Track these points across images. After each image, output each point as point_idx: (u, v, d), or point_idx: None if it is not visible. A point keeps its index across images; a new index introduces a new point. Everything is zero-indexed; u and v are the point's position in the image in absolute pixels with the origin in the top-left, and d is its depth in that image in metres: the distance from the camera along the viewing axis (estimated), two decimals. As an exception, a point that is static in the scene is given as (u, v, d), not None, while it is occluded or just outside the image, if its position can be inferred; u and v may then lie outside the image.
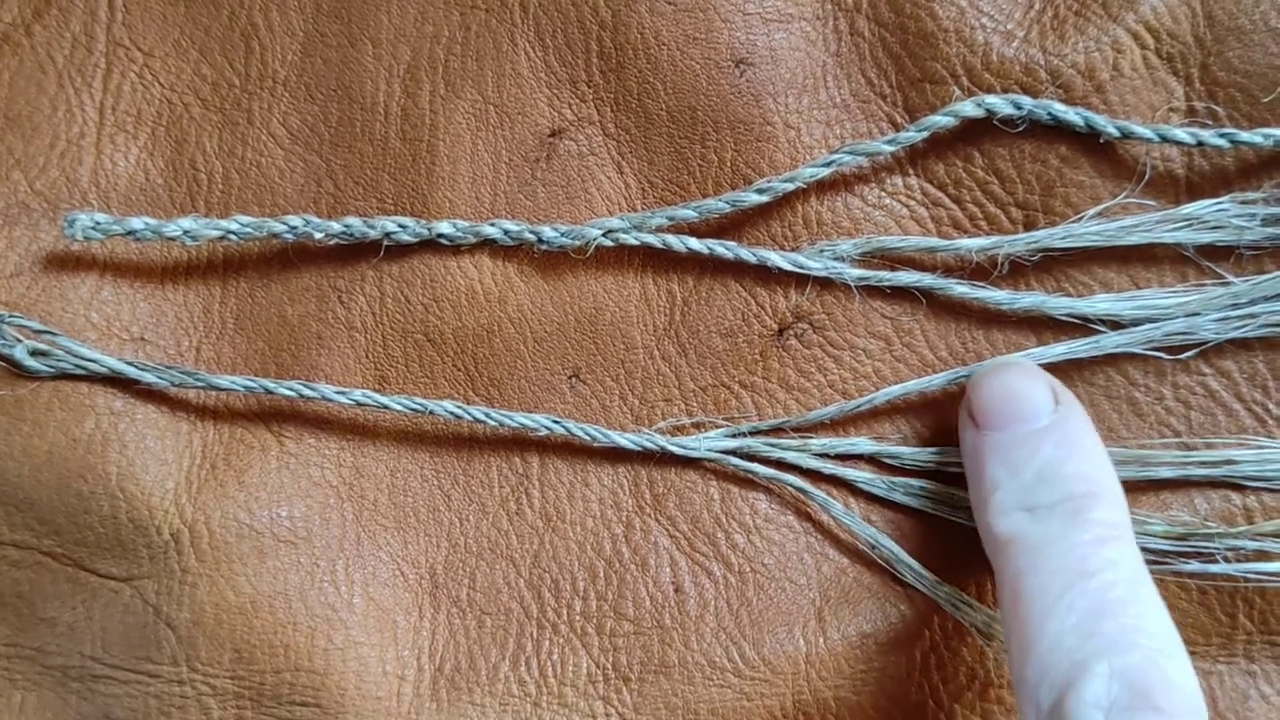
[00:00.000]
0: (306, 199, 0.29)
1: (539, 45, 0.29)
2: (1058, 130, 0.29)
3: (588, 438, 0.29)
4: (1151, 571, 0.27)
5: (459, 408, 0.28)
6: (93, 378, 0.28)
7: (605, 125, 0.29)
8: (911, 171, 0.29)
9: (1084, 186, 0.29)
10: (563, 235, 0.29)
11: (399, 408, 0.28)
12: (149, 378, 0.28)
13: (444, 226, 0.29)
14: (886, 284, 0.29)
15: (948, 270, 0.29)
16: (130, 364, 0.28)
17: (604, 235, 0.29)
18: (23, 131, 0.29)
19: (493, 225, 0.29)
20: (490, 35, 0.29)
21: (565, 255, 0.29)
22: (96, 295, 0.29)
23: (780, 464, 0.29)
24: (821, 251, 0.29)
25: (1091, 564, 0.24)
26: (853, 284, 0.29)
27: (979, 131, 0.29)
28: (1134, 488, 0.28)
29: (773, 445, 0.29)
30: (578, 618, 0.28)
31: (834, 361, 0.29)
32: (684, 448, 0.29)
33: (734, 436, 0.29)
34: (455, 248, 0.29)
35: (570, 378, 0.29)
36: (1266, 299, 0.28)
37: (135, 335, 0.29)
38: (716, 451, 0.29)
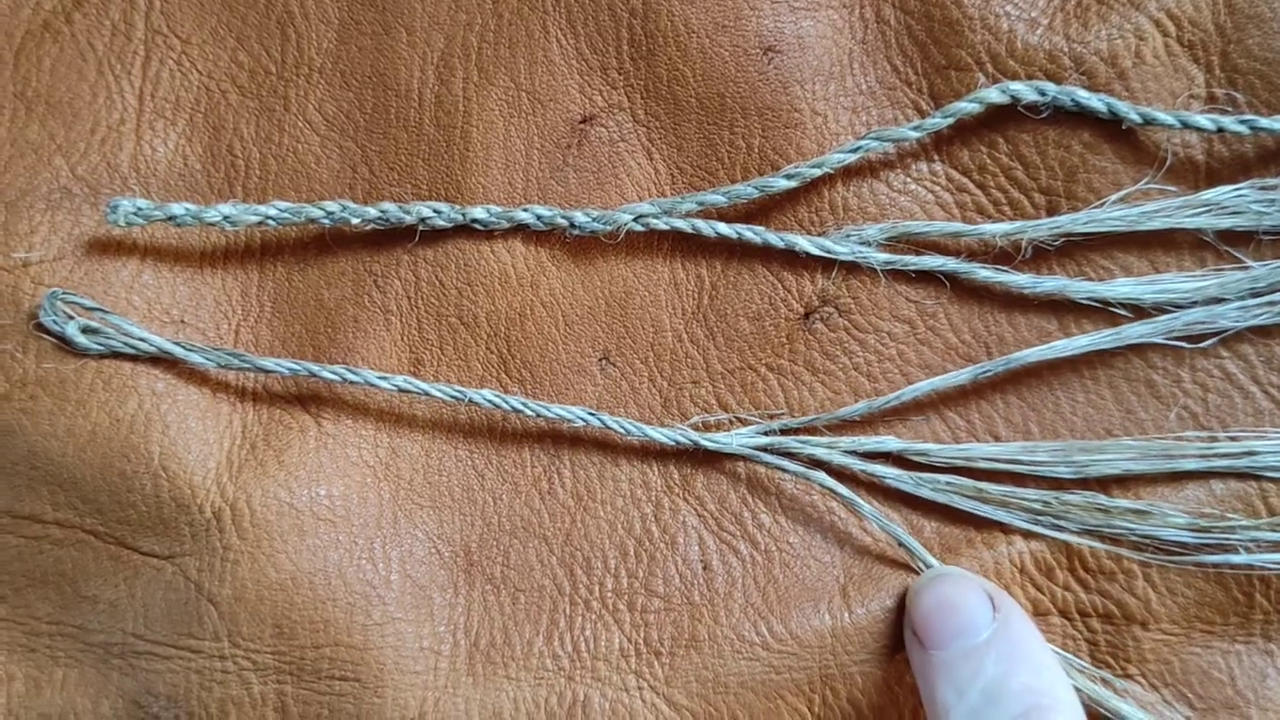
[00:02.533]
0: (342, 184, 0.30)
1: (570, 33, 0.30)
2: (1080, 117, 0.29)
3: (622, 430, 0.29)
4: (1173, 563, 0.28)
5: (498, 396, 0.29)
6: (137, 358, 0.29)
7: (635, 112, 0.30)
8: (936, 157, 0.30)
9: (1106, 172, 0.29)
10: (594, 220, 0.29)
11: (440, 395, 0.29)
12: (196, 358, 0.28)
13: (478, 212, 0.29)
14: (912, 268, 0.29)
15: (971, 255, 0.30)
16: (178, 344, 0.28)
17: (634, 220, 0.29)
18: (64, 118, 0.30)
19: (525, 211, 0.29)
20: (522, 23, 0.30)
21: (596, 240, 0.30)
22: (138, 279, 0.29)
23: (810, 459, 0.30)
24: (848, 236, 0.29)
25: None
26: (879, 268, 0.29)
27: (1003, 118, 0.29)
28: (1155, 477, 0.29)
29: (803, 442, 0.29)
30: (609, 594, 0.29)
31: (859, 345, 0.30)
32: (716, 443, 0.29)
33: (765, 433, 0.30)
34: (489, 233, 0.30)
35: (601, 360, 0.30)
36: None
37: (175, 318, 0.29)
38: (748, 448, 0.29)
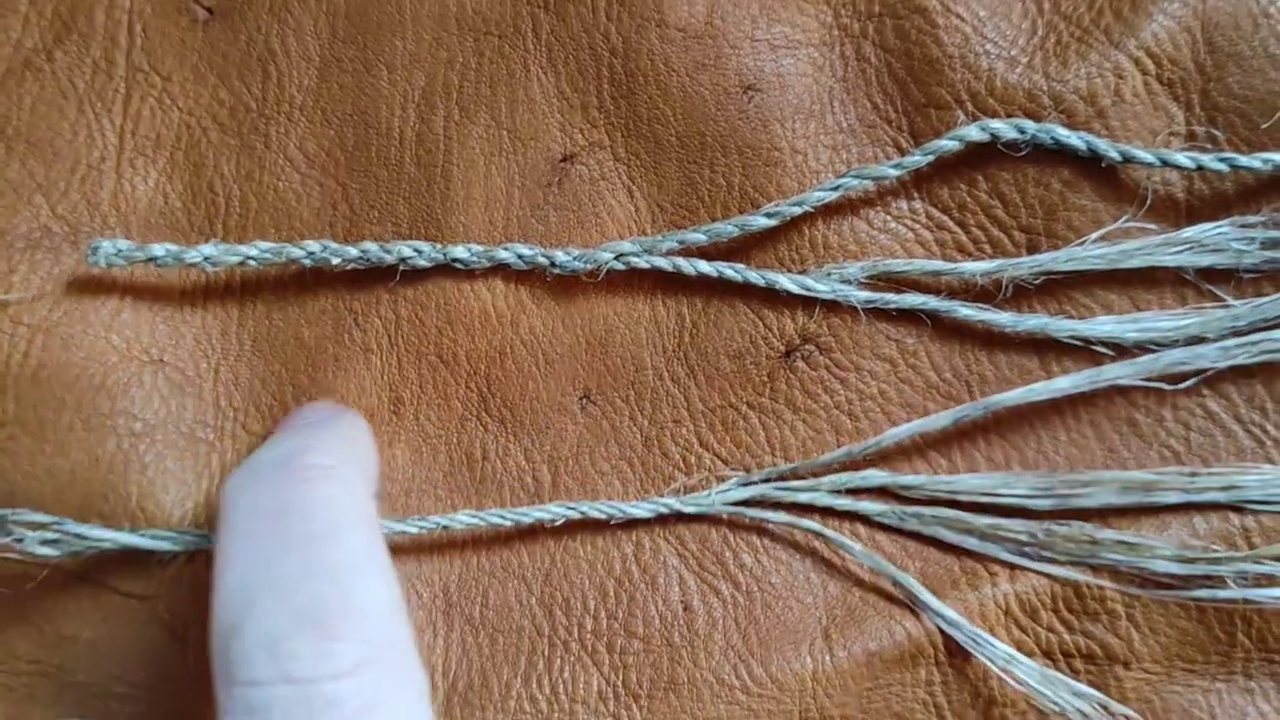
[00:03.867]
0: (323, 223, 0.30)
1: (551, 71, 0.30)
2: (1060, 154, 0.29)
3: (602, 515, 0.29)
4: (1163, 597, 0.27)
5: (474, 515, 0.29)
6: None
7: (616, 150, 0.30)
8: (916, 195, 0.30)
9: (1086, 210, 0.29)
10: (575, 259, 0.29)
11: (415, 530, 0.29)
12: (164, 545, 0.28)
13: (459, 251, 0.29)
14: (893, 306, 0.29)
15: (952, 293, 0.29)
16: (143, 535, 0.28)
17: (615, 259, 0.29)
18: (45, 156, 0.29)
19: (507, 250, 0.29)
20: (503, 61, 0.30)
21: (576, 279, 0.30)
22: (116, 318, 0.29)
23: (793, 505, 0.29)
24: (829, 274, 0.29)
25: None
26: (859, 306, 0.29)
27: (983, 156, 0.29)
28: (1138, 513, 0.29)
29: (786, 489, 0.29)
30: (589, 636, 0.29)
31: (840, 383, 0.30)
32: (699, 505, 0.29)
33: (747, 484, 0.30)
34: (470, 271, 0.30)
35: (581, 399, 0.30)
36: (1266, 322, 0.28)
37: (154, 357, 0.29)
38: (730, 504, 0.29)
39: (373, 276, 0.30)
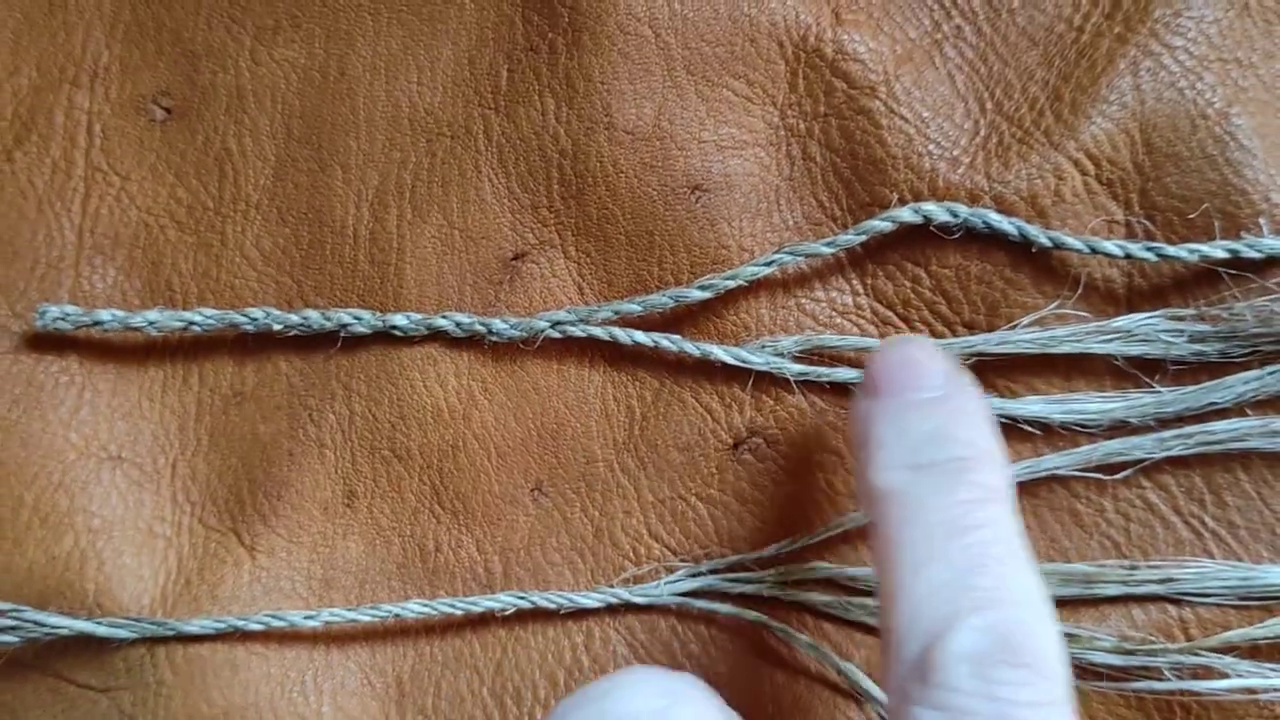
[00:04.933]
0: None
1: (502, 172, 0.30)
2: (999, 247, 0.30)
3: (552, 605, 0.30)
4: (1102, 689, 0.28)
5: (425, 605, 0.29)
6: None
7: (566, 248, 0.30)
8: (861, 291, 0.30)
9: (1029, 308, 0.30)
10: (512, 327, 0.30)
11: (367, 619, 0.29)
12: (121, 634, 0.29)
13: (398, 319, 0.30)
14: (825, 379, 0.30)
15: None
16: (100, 623, 0.29)
17: (551, 327, 0.30)
18: (4, 256, 0.30)
19: (445, 318, 0.30)
20: (455, 162, 0.30)
21: (527, 372, 0.30)
22: (75, 415, 0.30)
23: (741, 596, 0.30)
24: (763, 347, 0.30)
25: (970, 520, 0.24)
26: (792, 378, 0.30)
27: (925, 251, 0.30)
28: (1077, 605, 0.29)
29: (733, 580, 0.30)
30: (539, 725, 0.30)
31: (787, 475, 0.30)
32: (648, 596, 0.30)
33: (695, 575, 0.30)
34: (421, 366, 0.30)
35: (533, 490, 0.31)
36: (1191, 410, 0.29)
37: (113, 454, 0.30)
38: (678, 595, 0.30)
39: (325, 374, 0.30)
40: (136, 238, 0.31)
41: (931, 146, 0.30)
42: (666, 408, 0.30)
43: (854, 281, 0.30)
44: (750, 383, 0.30)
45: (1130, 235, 0.29)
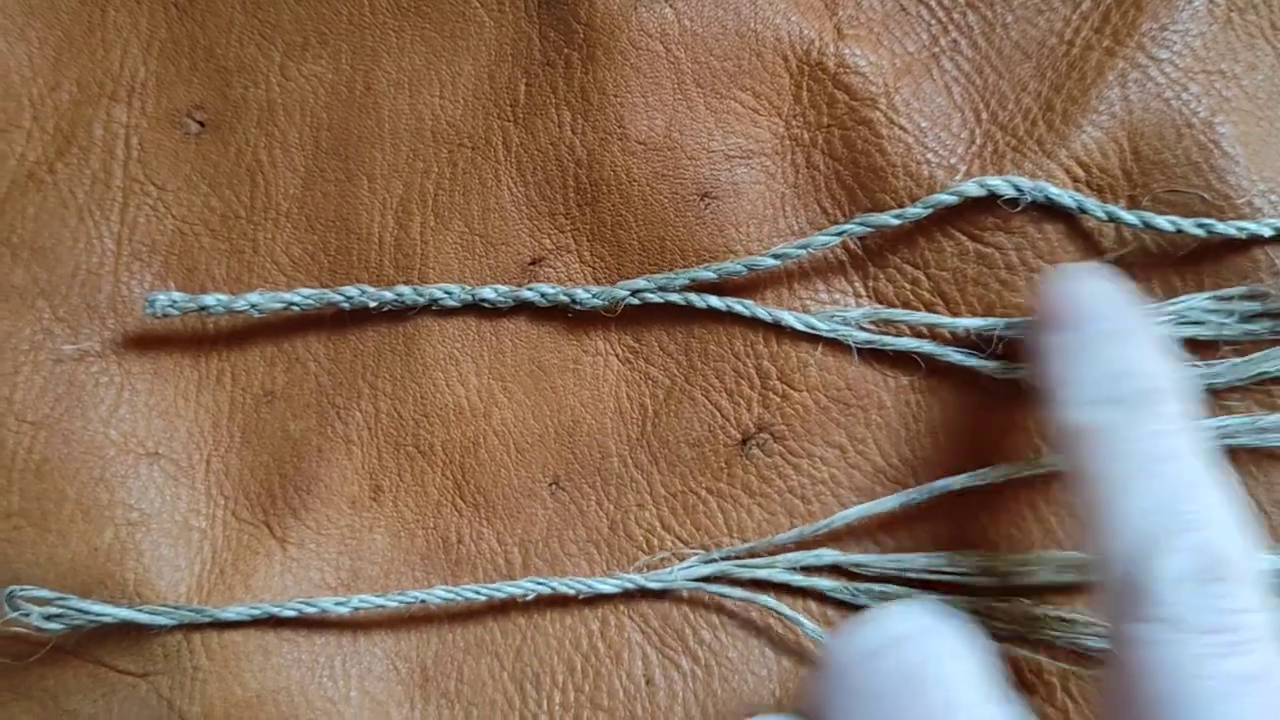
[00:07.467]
0: (307, 322, 0.32)
1: (520, 181, 0.32)
2: (995, 251, 0.31)
3: (571, 590, 0.31)
4: (1098, 674, 0.29)
5: (450, 591, 0.31)
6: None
7: (581, 253, 0.32)
8: (863, 293, 0.32)
9: (1024, 311, 0.31)
10: (594, 296, 0.31)
11: (394, 604, 0.31)
12: (161, 620, 0.30)
13: (486, 291, 0.31)
14: (889, 348, 0.31)
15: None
16: (141, 610, 0.30)
17: (631, 295, 0.31)
18: (47, 263, 0.32)
19: (530, 289, 0.31)
20: (476, 172, 0.32)
21: (544, 372, 0.32)
22: (114, 414, 0.31)
23: (751, 582, 0.31)
24: (831, 316, 0.31)
25: (1163, 450, 0.25)
26: (856, 346, 0.31)
27: (925, 255, 0.31)
28: (1073, 589, 0.30)
29: (744, 566, 0.31)
30: (557, 708, 0.31)
31: (793, 469, 0.32)
32: (662, 582, 0.31)
33: (708, 562, 0.32)
34: (444, 369, 0.32)
35: (551, 485, 0.32)
36: (1241, 382, 0.30)
37: (150, 450, 0.31)
38: (692, 582, 0.31)
39: (351, 373, 0.32)
40: (172, 245, 0.32)
41: (930, 155, 0.31)
42: (678, 405, 0.32)
43: (856, 284, 0.32)
44: (761, 382, 0.32)
45: (1119, 238, 0.31)
